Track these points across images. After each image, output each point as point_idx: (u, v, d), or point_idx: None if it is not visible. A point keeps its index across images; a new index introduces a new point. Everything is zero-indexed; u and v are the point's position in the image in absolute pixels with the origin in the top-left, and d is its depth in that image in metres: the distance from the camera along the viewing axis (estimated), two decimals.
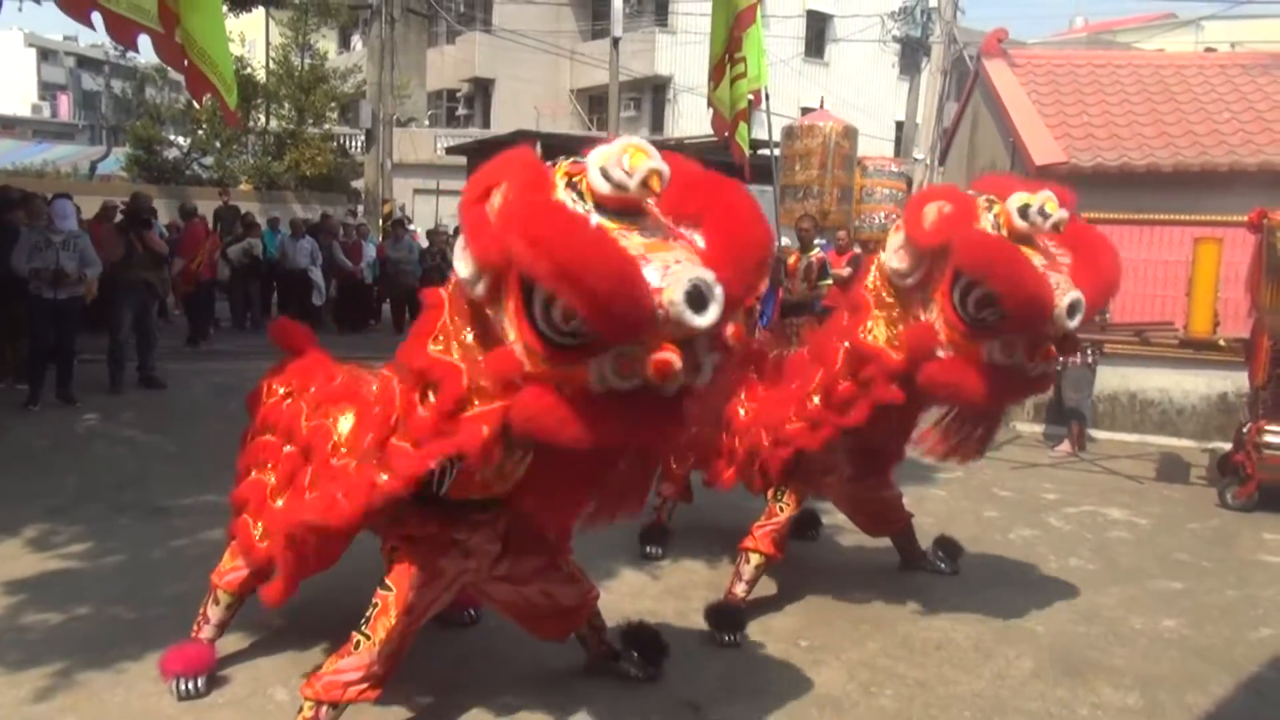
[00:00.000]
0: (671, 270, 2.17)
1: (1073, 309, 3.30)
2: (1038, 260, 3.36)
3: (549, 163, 2.42)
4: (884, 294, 3.76)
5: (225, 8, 10.90)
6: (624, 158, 2.21)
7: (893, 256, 3.65)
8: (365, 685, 2.84)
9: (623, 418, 2.29)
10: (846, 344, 3.79)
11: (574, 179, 2.30)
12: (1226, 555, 5.39)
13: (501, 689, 3.41)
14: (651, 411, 2.29)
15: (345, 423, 3.04)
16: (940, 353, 3.54)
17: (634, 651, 3.52)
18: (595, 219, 2.22)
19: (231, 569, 3.37)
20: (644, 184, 2.20)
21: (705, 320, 2.17)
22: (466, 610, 3.89)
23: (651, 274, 2.15)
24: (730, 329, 2.31)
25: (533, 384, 2.32)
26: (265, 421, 3.40)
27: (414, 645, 3.40)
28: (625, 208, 2.26)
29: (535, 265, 2.12)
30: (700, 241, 2.31)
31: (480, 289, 2.38)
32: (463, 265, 2.41)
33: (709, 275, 2.17)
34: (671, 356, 2.16)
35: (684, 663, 3.65)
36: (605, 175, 2.21)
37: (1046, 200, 3.38)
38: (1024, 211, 3.36)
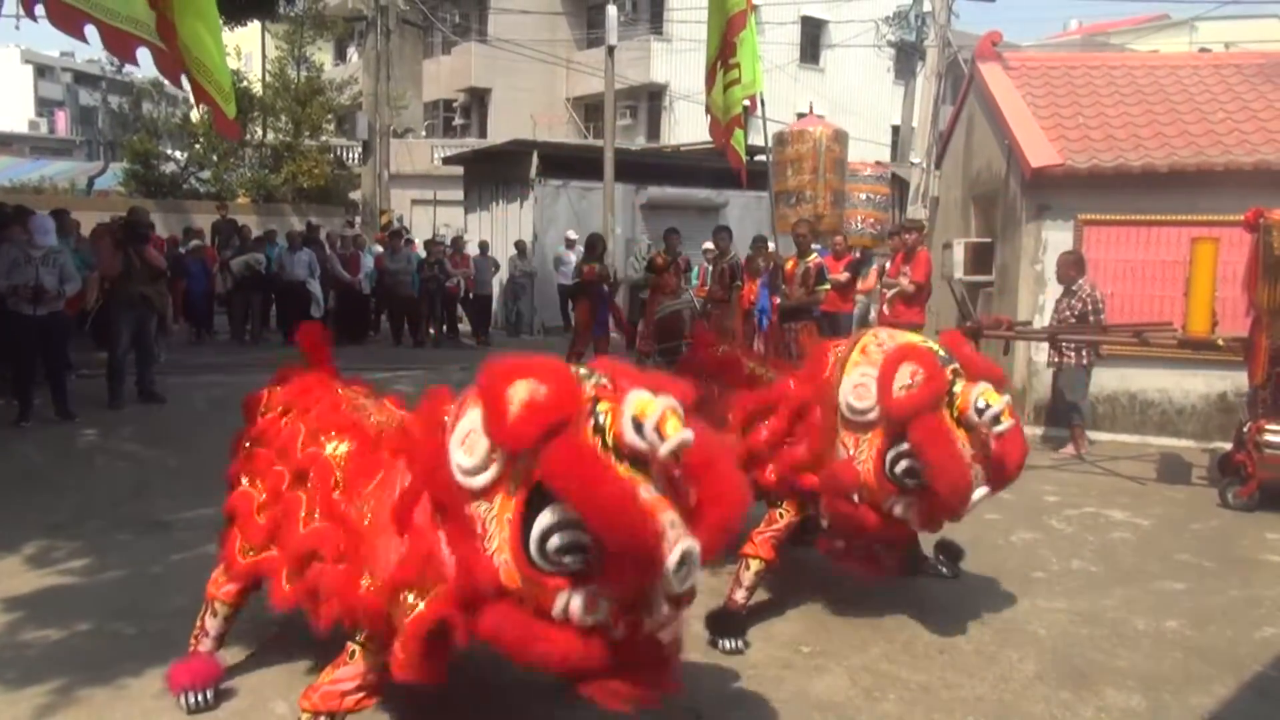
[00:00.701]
0: (669, 534, 2.24)
1: (975, 503, 3.69)
2: (968, 450, 3.61)
3: (576, 374, 2.38)
4: (828, 408, 3.93)
5: (221, 20, 10.96)
6: (661, 422, 2.19)
7: (850, 393, 3.80)
8: (362, 694, 2.83)
9: (580, 644, 2.30)
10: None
11: (600, 415, 2.26)
12: (1228, 555, 5.38)
13: (500, 697, 3.40)
14: (599, 645, 2.31)
15: (342, 450, 3.07)
16: (855, 496, 3.80)
17: None
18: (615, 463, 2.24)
19: (223, 580, 3.38)
20: (674, 453, 2.22)
21: (684, 588, 2.32)
22: None
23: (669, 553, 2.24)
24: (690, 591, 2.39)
25: (504, 599, 2.34)
26: (262, 434, 3.39)
27: None
28: (642, 458, 2.26)
29: (573, 503, 2.19)
30: (691, 497, 2.35)
31: (481, 481, 2.33)
32: (466, 454, 2.34)
33: (696, 546, 2.26)
34: (644, 620, 2.31)
35: (686, 670, 3.63)
36: (639, 430, 2.20)
37: (1005, 409, 3.57)
38: (981, 410, 3.57)
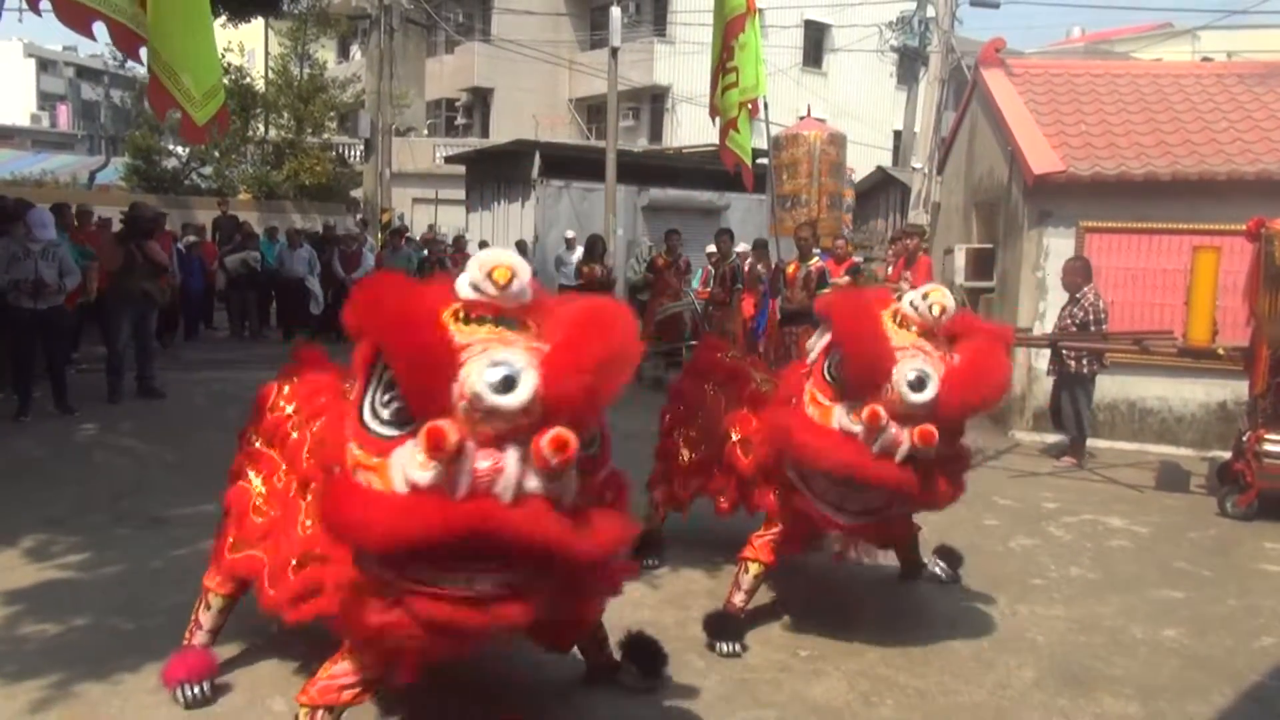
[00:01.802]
0: (475, 352, 2.29)
1: (916, 380, 3.43)
2: (906, 339, 3.56)
3: None
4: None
5: (223, 19, 10.96)
6: (487, 269, 2.41)
7: (810, 346, 3.88)
8: (359, 689, 2.82)
9: (421, 515, 2.22)
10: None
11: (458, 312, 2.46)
12: (1227, 564, 5.38)
13: (500, 700, 3.40)
14: (449, 513, 2.22)
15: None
16: (794, 400, 3.75)
17: (633, 663, 3.49)
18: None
19: (216, 571, 3.39)
20: (489, 276, 2.38)
21: (508, 400, 2.23)
22: None
23: (472, 361, 2.28)
24: (548, 440, 2.22)
25: (338, 477, 2.41)
26: (267, 432, 3.38)
27: None
28: (498, 315, 2.42)
29: (365, 322, 2.37)
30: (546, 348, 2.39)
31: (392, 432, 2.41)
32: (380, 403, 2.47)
33: (517, 361, 2.27)
34: (443, 426, 2.20)
35: (684, 673, 3.64)
36: (472, 285, 2.43)
37: (929, 289, 3.65)
38: (911, 302, 3.62)
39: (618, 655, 3.51)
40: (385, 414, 2.34)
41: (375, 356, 2.41)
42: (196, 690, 3.27)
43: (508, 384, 2.23)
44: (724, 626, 3.93)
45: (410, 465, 2.25)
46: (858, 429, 3.51)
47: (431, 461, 2.22)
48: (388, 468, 2.30)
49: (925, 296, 3.62)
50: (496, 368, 2.25)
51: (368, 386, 2.40)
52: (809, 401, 3.68)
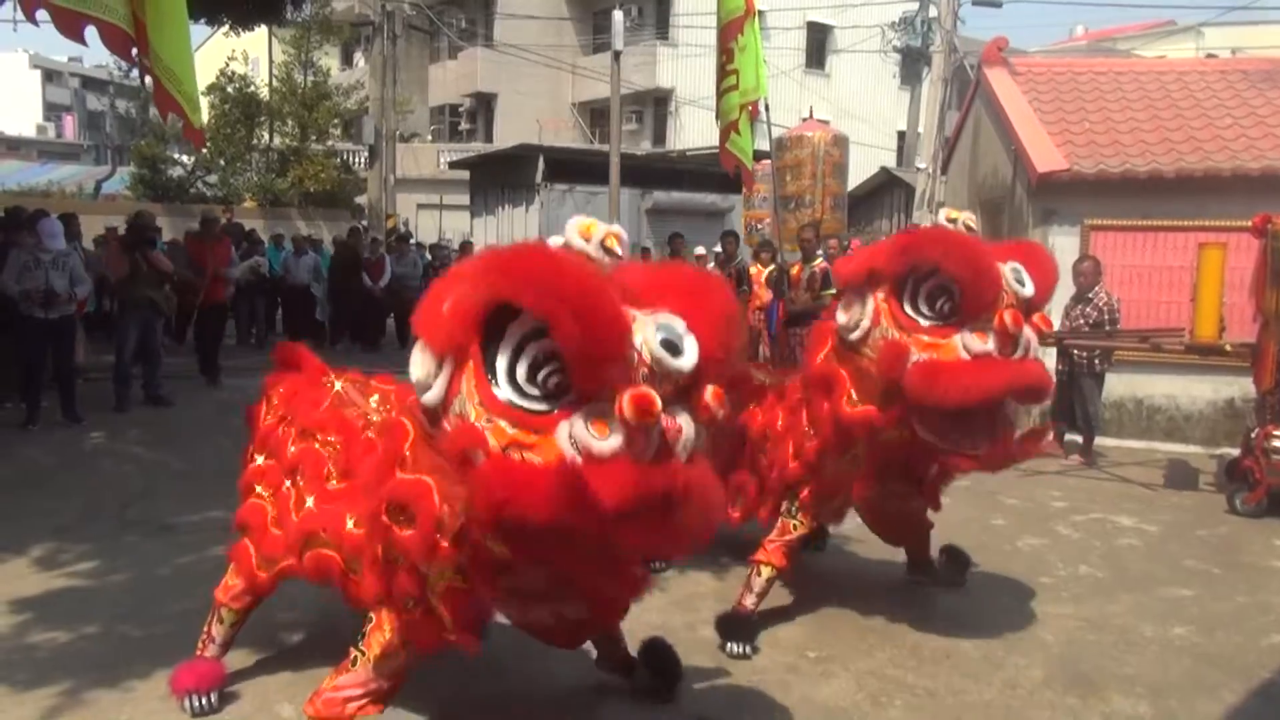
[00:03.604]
0: (641, 319, 2.21)
1: (1017, 274, 3.51)
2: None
3: None
4: (845, 356, 3.81)
5: (227, 27, 11.02)
6: (582, 228, 2.33)
7: (840, 314, 3.77)
8: (366, 700, 2.81)
9: (602, 491, 2.06)
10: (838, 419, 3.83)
11: None
12: (1236, 561, 5.36)
13: (508, 704, 3.40)
14: (633, 481, 2.09)
15: (331, 441, 3.15)
16: (915, 357, 3.52)
17: (649, 668, 3.44)
18: None
19: (235, 587, 3.36)
20: (603, 245, 2.28)
21: (683, 362, 2.15)
22: None
23: (640, 328, 2.19)
24: (711, 394, 2.26)
25: (494, 456, 2.17)
26: (263, 443, 3.40)
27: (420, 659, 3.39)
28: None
29: (520, 291, 2.12)
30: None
31: (438, 385, 2.25)
32: (418, 367, 2.29)
33: (678, 324, 2.22)
34: (650, 391, 2.09)
35: (693, 675, 3.63)
36: (567, 246, 2.31)
37: (948, 212, 3.76)
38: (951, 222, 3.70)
39: (636, 658, 3.47)
40: (536, 389, 2.21)
41: (504, 333, 2.25)
42: (203, 700, 3.28)
43: (674, 347, 2.23)
44: (735, 627, 3.92)
45: (585, 436, 2.12)
46: (988, 347, 3.44)
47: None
48: (552, 442, 2.15)
49: (949, 219, 3.72)
50: (661, 332, 2.23)
51: (493, 364, 2.24)
52: (920, 348, 3.52)
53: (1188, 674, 3.85)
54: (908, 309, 3.57)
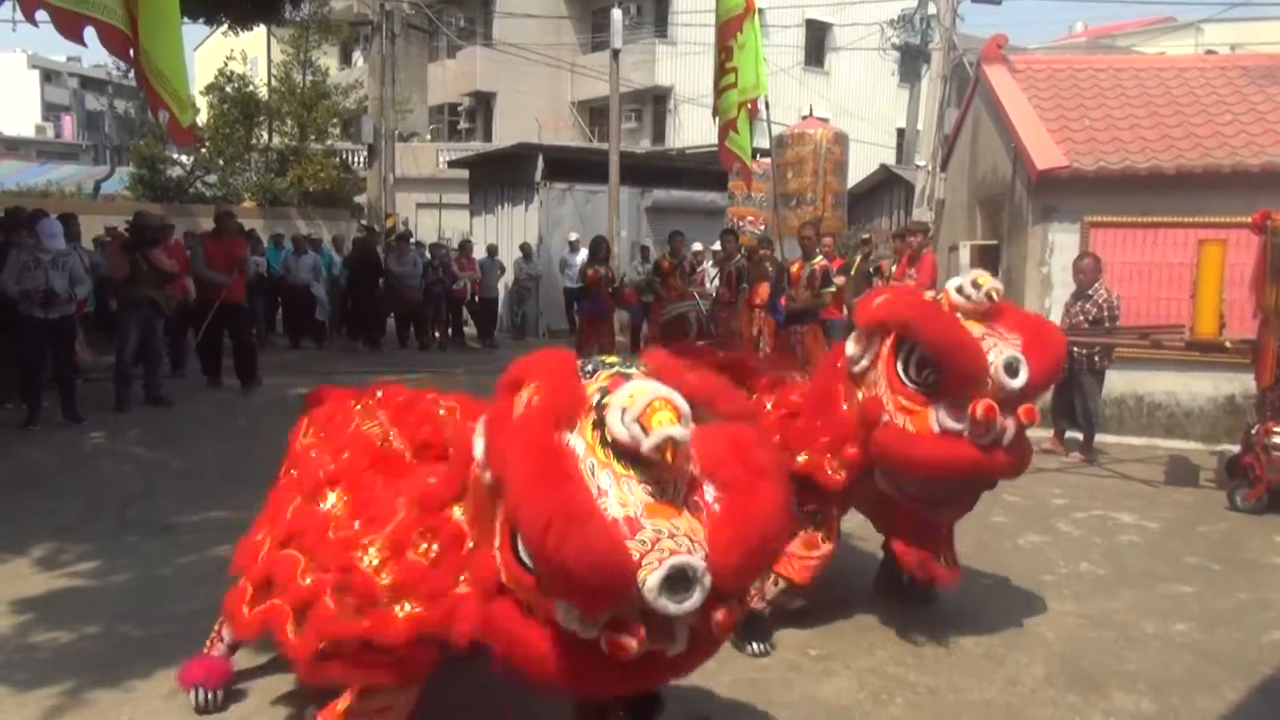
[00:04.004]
0: (659, 546, 1.98)
1: (1009, 366, 3.48)
2: (976, 329, 3.59)
3: (588, 370, 2.23)
4: (850, 388, 3.87)
5: (225, 26, 11.02)
6: (648, 413, 2.02)
7: (851, 344, 3.84)
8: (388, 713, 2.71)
9: (592, 664, 2.09)
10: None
11: (603, 403, 2.11)
12: (1237, 558, 5.36)
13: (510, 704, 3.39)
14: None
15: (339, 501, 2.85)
16: (885, 418, 3.66)
17: (623, 708, 3.26)
18: (591, 462, 2.06)
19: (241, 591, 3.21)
20: (657, 449, 2.02)
21: (681, 608, 2.00)
22: None
23: (634, 546, 1.96)
24: (720, 618, 2.11)
25: (507, 600, 2.18)
26: (294, 463, 3.22)
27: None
28: (628, 453, 2.07)
29: (517, 508, 2.01)
30: (715, 507, 2.11)
31: (487, 478, 2.21)
32: (479, 446, 2.23)
33: (698, 562, 1.99)
34: (629, 642, 2.01)
35: (694, 673, 3.63)
36: (623, 422, 2.04)
37: (977, 275, 3.70)
38: (960, 289, 3.67)
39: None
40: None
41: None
42: (210, 695, 3.26)
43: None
44: (752, 626, 3.86)
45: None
46: (960, 426, 3.51)
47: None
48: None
49: (975, 284, 3.66)
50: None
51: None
52: (895, 410, 3.63)
53: (1189, 671, 3.85)
54: (899, 368, 3.67)
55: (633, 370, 2.20)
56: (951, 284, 3.71)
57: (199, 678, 3.27)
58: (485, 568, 2.24)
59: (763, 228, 12.45)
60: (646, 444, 2.00)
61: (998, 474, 3.71)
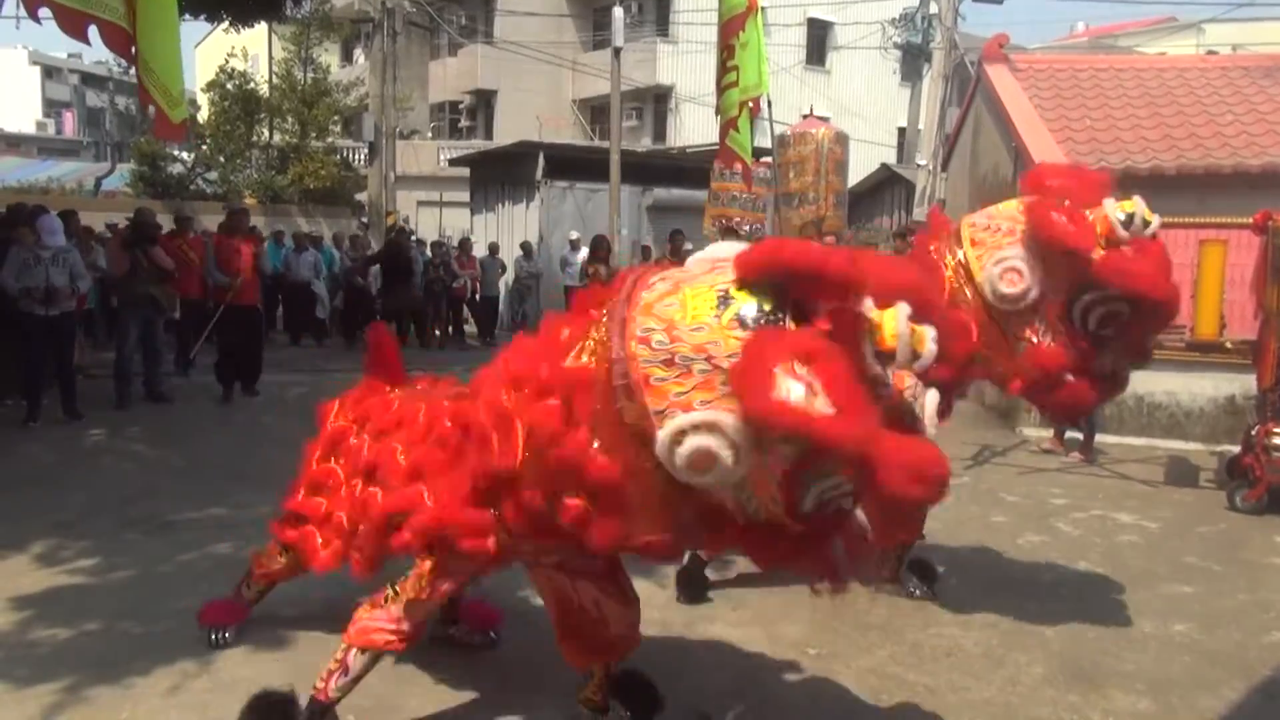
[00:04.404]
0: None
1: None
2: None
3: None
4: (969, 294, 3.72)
5: (226, 24, 11.00)
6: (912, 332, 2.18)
7: (1001, 282, 3.60)
8: (393, 639, 2.93)
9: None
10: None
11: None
12: (1237, 558, 5.36)
13: (511, 703, 3.40)
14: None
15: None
16: (1069, 376, 3.61)
17: (623, 706, 3.19)
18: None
19: (266, 564, 3.66)
20: (914, 352, 2.17)
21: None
22: (488, 631, 3.86)
23: None
24: None
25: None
26: (334, 446, 3.42)
27: (426, 661, 3.40)
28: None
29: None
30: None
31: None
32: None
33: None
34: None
35: (693, 672, 3.64)
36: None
37: (1144, 211, 3.51)
38: (1128, 222, 3.48)
39: (609, 696, 3.23)
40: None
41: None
42: (223, 634, 3.71)
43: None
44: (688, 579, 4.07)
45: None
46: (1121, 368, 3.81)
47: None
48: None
49: (1145, 220, 3.55)
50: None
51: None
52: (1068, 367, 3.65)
53: (1188, 671, 3.85)
54: (1077, 319, 3.66)
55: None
56: (1116, 211, 3.49)
57: (216, 619, 3.73)
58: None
59: (748, 228, 12.40)
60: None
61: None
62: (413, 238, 15.93)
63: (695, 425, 2.10)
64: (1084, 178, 3.70)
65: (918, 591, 4.53)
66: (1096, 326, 3.50)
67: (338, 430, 3.43)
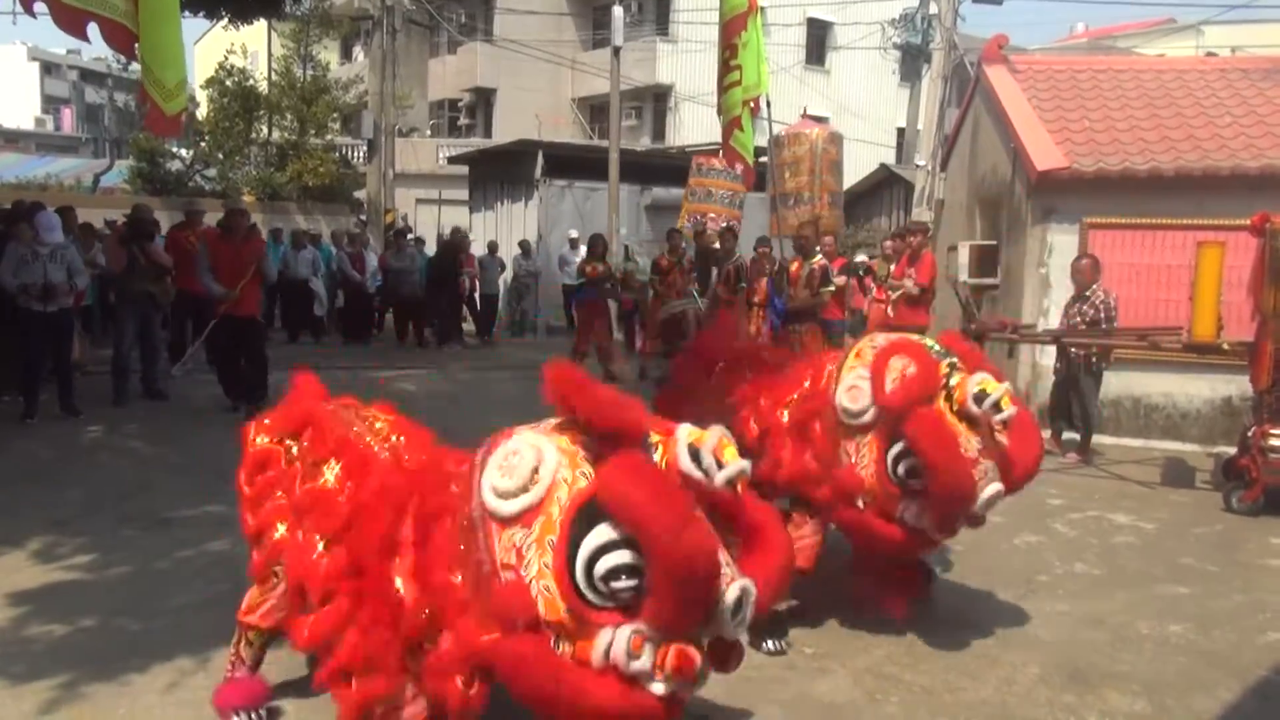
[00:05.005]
0: (725, 570, 2.19)
1: (989, 501, 3.66)
2: (974, 445, 3.59)
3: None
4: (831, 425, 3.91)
5: (225, 20, 10.99)
6: (719, 449, 2.22)
7: (845, 395, 3.80)
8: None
9: (619, 693, 2.16)
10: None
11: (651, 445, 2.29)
12: (1232, 560, 5.37)
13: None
14: (637, 699, 2.17)
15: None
16: (860, 502, 3.79)
17: None
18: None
19: (259, 606, 3.11)
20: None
21: (738, 630, 2.24)
22: None
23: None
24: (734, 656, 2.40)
25: (533, 634, 2.21)
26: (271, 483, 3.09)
27: None
28: (696, 488, 2.23)
29: (635, 523, 2.10)
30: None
31: (518, 504, 2.26)
32: (503, 477, 2.29)
33: (751, 588, 2.21)
34: (696, 655, 2.15)
35: None
36: (695, 458, 2.23)
37: (1004, 395, 3.59)
38: (979, 399, 3.57)
39: None
40: (901, 477, 3.55)
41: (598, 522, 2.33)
42: (252, 716, 3.13)
43: (739, 610, 2.34)
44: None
45: (621, 653, 2.18)
46: (923, 527, 3.73)
47: (929, 525, 3.52)
48: (590, 644, 2.21)
49: (997, 404, 3.58)
50: (740, 595, 2.32)
51: (578, 544, 2.22)
52: (869, 491, 3.76)
53: (1184, 671, 3.86)
54: (890, 459, 3.69)
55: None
56: (972, 386, 3.58)
57: (238, 702, 3.14)
58: (516, 600, 2.25)
59: (724, 223, 12.37)
60: (720, 477, 2.21)
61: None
62: (409, 236, 15.91)
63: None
64: (970, 352, 3.93)
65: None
66: (904, 476, 3.65)
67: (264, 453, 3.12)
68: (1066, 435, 8.02)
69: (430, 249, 15.97)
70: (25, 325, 7.57)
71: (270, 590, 3.05)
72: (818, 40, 29.61)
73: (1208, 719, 3.49)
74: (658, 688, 2.17)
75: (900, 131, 25.75)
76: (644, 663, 2.14)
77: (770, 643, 3.86)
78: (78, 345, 8.78)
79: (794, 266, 9.22)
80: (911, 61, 22.80)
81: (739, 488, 2.24)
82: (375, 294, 14.75)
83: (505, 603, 2.23)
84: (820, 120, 20.18)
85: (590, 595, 2.17)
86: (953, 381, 3.63)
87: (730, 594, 2.15)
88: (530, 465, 2.25)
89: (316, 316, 14.28)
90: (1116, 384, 8.47)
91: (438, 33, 29.17)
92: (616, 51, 17.69)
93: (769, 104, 8.08)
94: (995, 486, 3.64)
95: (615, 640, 2.14)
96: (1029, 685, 3.69)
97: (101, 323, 11.35)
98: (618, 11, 17.82)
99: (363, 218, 19.06)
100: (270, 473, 3.08)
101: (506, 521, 2.27)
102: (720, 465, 2.17)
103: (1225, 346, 6.63)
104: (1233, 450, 6.86)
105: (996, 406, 3.56)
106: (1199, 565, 5.24)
